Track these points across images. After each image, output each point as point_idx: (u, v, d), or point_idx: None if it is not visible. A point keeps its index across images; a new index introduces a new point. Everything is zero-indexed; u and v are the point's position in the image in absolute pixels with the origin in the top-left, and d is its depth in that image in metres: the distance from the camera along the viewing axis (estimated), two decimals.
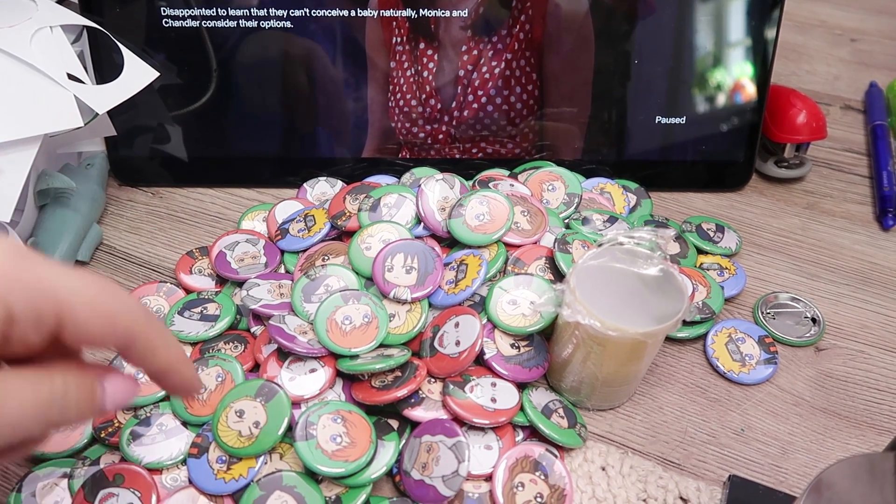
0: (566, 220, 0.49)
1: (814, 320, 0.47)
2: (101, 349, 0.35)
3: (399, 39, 0.51)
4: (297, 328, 0.41)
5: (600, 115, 0.53)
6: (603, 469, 0.39)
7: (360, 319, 0.41)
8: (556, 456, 0.38)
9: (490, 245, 0.45)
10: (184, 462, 0.38)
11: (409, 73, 0.52)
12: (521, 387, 0.41)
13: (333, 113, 0.53)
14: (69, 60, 0.45)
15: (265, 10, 0.50)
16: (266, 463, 0.37)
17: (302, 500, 0.36)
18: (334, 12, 0.50)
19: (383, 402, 0.38)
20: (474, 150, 0.54)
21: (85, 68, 0.46)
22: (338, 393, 0.40)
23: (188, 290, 0.47)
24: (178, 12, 0.50)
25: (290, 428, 0.38)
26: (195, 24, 0.50)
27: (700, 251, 0.50)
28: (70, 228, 0.48)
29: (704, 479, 0.39)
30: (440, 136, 0.54)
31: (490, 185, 0.49)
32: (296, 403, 0.39)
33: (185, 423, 0.39)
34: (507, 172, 0.53)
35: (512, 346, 0.42)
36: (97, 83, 0.47)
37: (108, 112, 0.46)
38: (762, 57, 0.52)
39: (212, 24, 0.50)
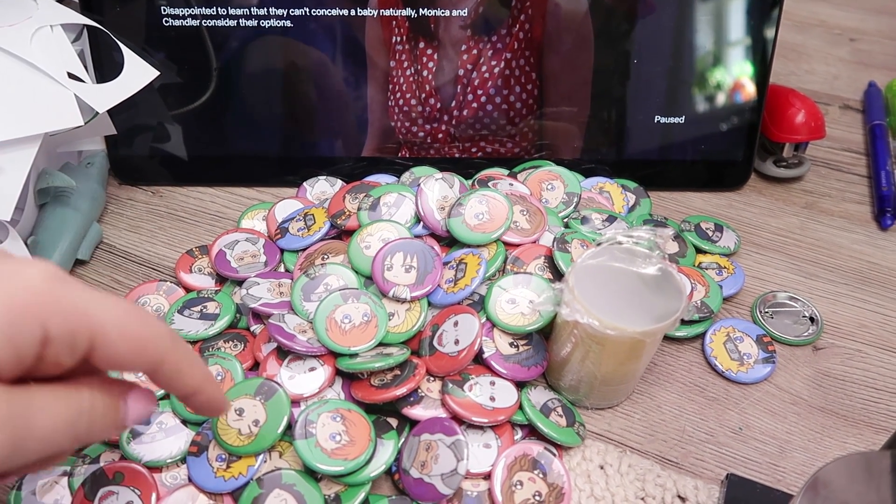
0: (565, 220, 0.49)
1: (812, 319, 0.47)
2: (129, 372, 0.36)
3: (399, 39, 0.51)
4: (296, 327, 0.41)
5: (599, 115, 0.54)
6: (601, 468, 0.39)
7: (360, 318, 0.41)
8: (554, 454, 0.38)
9: (489, 244, 0.45)
10: (183, 460, 0.38)
11: (408, 73, 0.52)
12: (520, 385, 0.41)
13: (333, 112, 0.53)
14: (69, 59, 0.45)
15: (265, 10, 0.50)
16: (265, 461, 0.37)
17: (301, 498, 0.36)
18: (334, 11, 0.50)
19: (382, 401, 0.39)
20: (474, 150, 0.54)
21: (85, 67, 0.46)
22: (337, 391, 0.40)
23: (188, 289, 0.47)
24: (178, 11, 0.50)
25: (290, 426, 0.38)
26: (195, 23, 0.50)
27: (699, 250, 0.50)
28: (70, 227, 0.48)
29: (702, 477, 0.39)
30: (440, 136, 0.54)
31: (489, 184, 0.49)
32: (295, 402, 0.39)
33: (184, 422, 0.39)
34: (506, 171, 0.53)
35: (511, 344, 0.42)
36: (97, 82, 0.47)
37: (109, 111, 0.46)
38: (761, 56, 0.52)
39: (212, 23, 0.50)
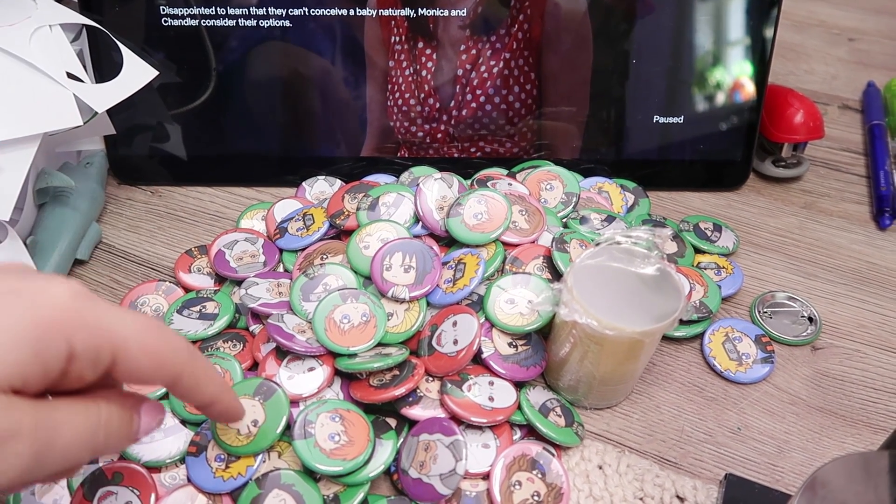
0: (564, 220, 0.49)
1: (810, 319, 0.47)
2: (148, 386, 0.36)
3: (398, 38, 0.51)
4: (295, 327, 0.41)
5: (598, 115, 0.54)
6: (600, 468, 0.39)
7: (359, 318, 0.41)
8: (553, 454, 0.38)
9: (488, 244, 0.45)
10: (182, 460, 0.38)
11: (407, 73, 0.52)
12: (519, 385, 0.41)
13: (332, 112, 0.53)
14: (68, 59, 0.45)
15: (264, 9, 0.50)
16: (264, 461, 0.37)
17: (300, 498, 0.36)
18: (333, 11, 0.50)
19: (381, 401, 0.39)
20: (473, 150, 0.54)
21: (84, 67, 0.46)
22: (336, 391, 0.40)
23: (187, 289, 0.47)
24: (177, 11, 0.50)
25: (289, 426, 0.38)
26: (194, 22, 0.50)
27: (697, 250, 0.50)
28: (69, 227, 0.48)
29: (701, 477, 0.39)
30: (439, 136, 0.54)
31: (488, 184, 0.49)
32: (294, 402, 0.39)
33: (183, 422, 0.39)
34: (505, 171, 0.53)
35: (510, 344, 0.42)
36: (96, 82, 0.47)
37: (108, 111, 0.46)
38: (760, 56, 0.52)
39: (211, 22, 0.50)
